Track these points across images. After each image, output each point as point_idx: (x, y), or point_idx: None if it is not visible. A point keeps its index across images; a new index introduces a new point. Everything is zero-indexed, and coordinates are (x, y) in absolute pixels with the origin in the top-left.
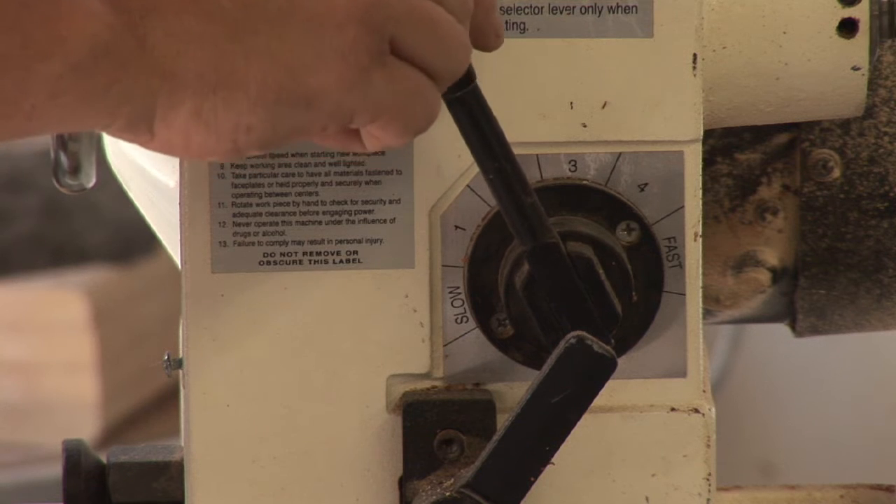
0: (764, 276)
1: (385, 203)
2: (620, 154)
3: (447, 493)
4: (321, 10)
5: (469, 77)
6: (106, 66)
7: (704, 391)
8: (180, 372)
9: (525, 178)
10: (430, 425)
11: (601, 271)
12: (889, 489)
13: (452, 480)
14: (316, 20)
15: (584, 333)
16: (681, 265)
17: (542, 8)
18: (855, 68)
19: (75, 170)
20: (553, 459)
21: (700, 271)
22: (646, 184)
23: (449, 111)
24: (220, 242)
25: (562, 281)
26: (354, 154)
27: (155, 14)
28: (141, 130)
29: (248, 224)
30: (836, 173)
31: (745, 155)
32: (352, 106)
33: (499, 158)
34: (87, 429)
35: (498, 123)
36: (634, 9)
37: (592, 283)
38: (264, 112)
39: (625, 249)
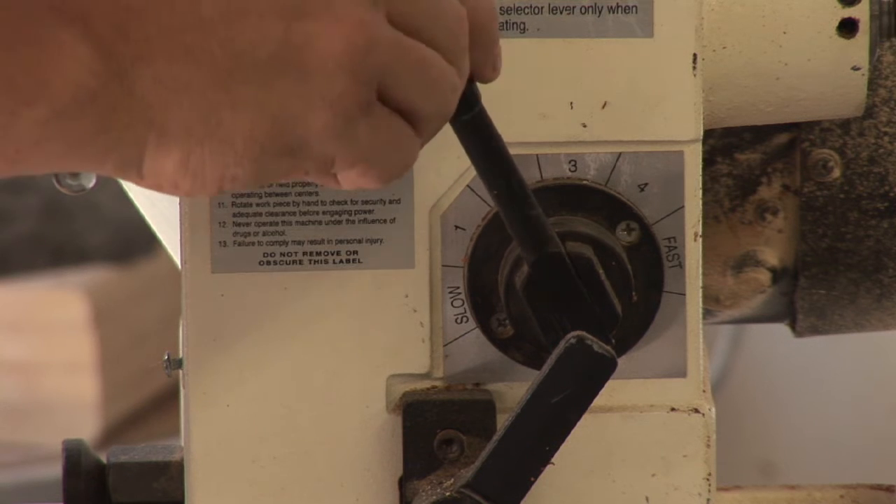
0: (764, 276)
1: (385, 203)
2: (620, 154)
3: (447, 493)
4: (311, 59)
5: (474, 100)
6: (92, 113)
7: (704, 391)
8: (180, 372)
9: (528, 192)
10: (430, 425)
11: (601, 271)
12: (889, 489)
13: (452, 480)
14: (305, 69)
15: (584, 333)
16: (681, 265)
17: (542, 8)
18: (855, 68)
19: None
20: (553, 459)
21: (700, 271)
22: (646, 184)
23: (455, 133)
24: (220, 242)
25: (564, 288)
26: None
27: (144, 61)
28: (130, 175)
29: (248, 224)
30: (836, 173)
31: (745, 155)
32: (334, 153)
33: (504, 175)
34: (87, 429)
35: (502, 140)
36: (634, 9)
37: (593, 284)
38: (249, 164)
39: (625, 249)
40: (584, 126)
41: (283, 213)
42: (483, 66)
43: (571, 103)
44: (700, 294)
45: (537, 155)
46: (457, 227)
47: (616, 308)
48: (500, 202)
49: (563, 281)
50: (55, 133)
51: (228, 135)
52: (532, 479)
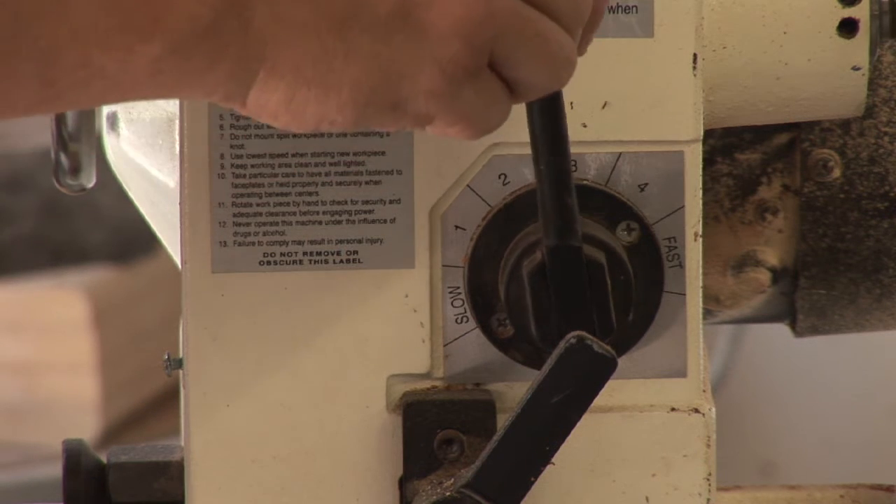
0: (764, 276)
1: (385, 203)
2: (620, 154)
3: (447, 493)
4: (429, 19)
5: None
6: (206, 48)
7: (704, 391)
8: (180, 372)
9: (572, 181)
10: (430, 425)
11: (609, 282)
12: (889, 489)
13: (452, 480)
14: (421, 29)
15: (584, 333)
16: (681, 265)
17: None
18: (855, 68)
19: (75, 170)
20: (553, 459)
21: (700, 271)
22: (646, 184)
23: (527, 104)
24: (220, 242)
25: (570, 285)
26: (354, 154)
27: None
28: (234, 104)
29: (248, 224)
30: (837, 173)
31: (745, 155)
32: (435, 113)
33: (558, 155)
34: (87, 429)
35: (566, 124)
36: (634, 9)
37: (598, 291)
38: (351, 112)
39: (625, 249)
40: (584, 126)
41: (283, 213)
42: (583, 45)
43: (571, 103)
44: (700, 294)
45: None
46: (457, 227)
47: (612, 321)
48: (544, 179)
49: (572, 277)
50: (169, 67)
51: (337, 82)
52: (532, 479)
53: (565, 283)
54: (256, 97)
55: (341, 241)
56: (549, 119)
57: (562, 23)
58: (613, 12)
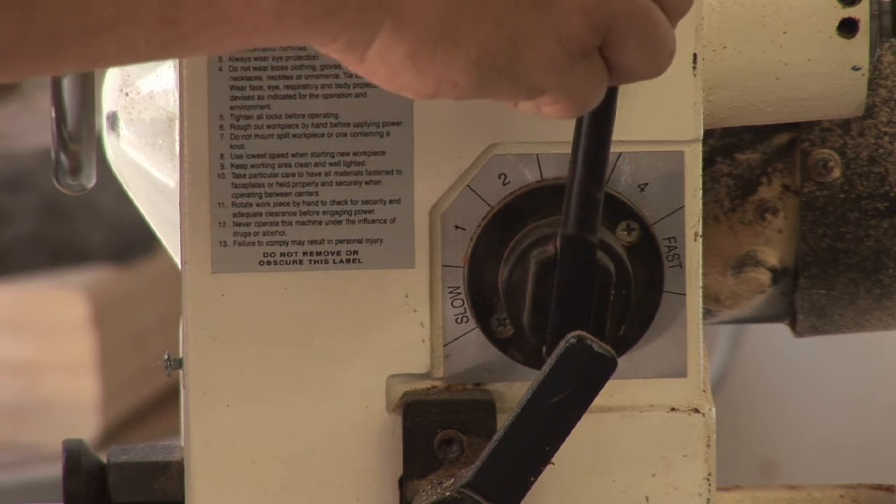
0: (764, 276)
1: (385, 203)
2: (620, 154)
3: (447, 493)
4: None
5: None
6: None
7: (704, 391)
8: (180, 372)
9: (604, 178)
10: (430, 425)
11: (613, 292)
12: (889, 489)
13: (452, 480)
14: (550, 2)
15: (584, 333)
16: (681, 265)
17: None
18: (855, 68)
19: (75, 170)
20: (553, 459)
21: (700, 271)
22: (646, 184)
23: None
24: (220, 242)
25: (579, 279)
26: (354, 154)
27: None
28: (353, 56)
29: (248, 224)
30: (837, 173)
31: (745, 155)
32: (547, 87)
33: (598, 150)
34: (87, 429)
35: (614, 121)
36: None
37: (600, 298)
38: (475, 74)
39: (625, 249)
40: None
41: (283, 213)
42: None
43: None
44: (700, 294)
45: (537, 155)
46: (457, 227)
47: (604, 331)
48: (579, 167)
49: (581, 270)
50: (294, 9)
51: (464, 41)
52: (532, 479)
53: (573, 275)
54: (379, 50)
55: (341, 241)
56: (602, 110)
57: (669, 13)
58: None
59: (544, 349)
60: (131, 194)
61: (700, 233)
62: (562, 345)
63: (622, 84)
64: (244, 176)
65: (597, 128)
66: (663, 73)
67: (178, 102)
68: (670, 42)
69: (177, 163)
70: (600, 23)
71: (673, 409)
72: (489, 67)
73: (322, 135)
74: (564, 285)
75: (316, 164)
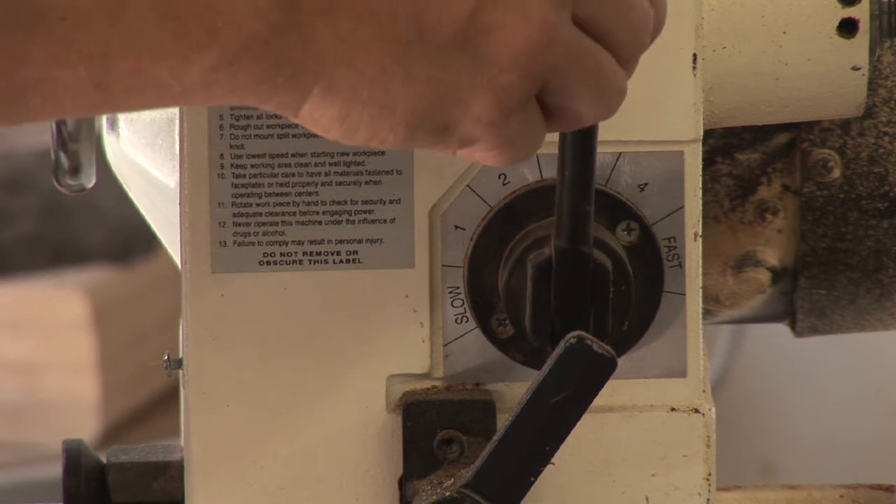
0: (764, 276)
1: (385, 203)
2: (620, 154)
3: (447, 493)
4: (489, 47)
5: None
6: (262, 61)
7: (704, 391)
8: (180, 372)
9: (593, 190)
10: (430, 425)
11: (612, 290)
12: (889, 489)
13: (452, 480)
14: (481, 55)
15: (584, 333)
16: (681, 265)
17: None
18: (855, 68)
19: (75, 170)
20: (553, 459)
21: (700, 271)
22: (646, 184)
23: None
24: (220, 242)
25: (575, 288)
26: (354, 154)
27: (328, 17)
28: (286, 113)
29: (248, 224)
30: (836, 173)
31: (745, 155)
32: (479, 138)
33: (583, 164)
34: (87, 429)
35: (597, 140)
36: None
37: (600, 298)
38: (402, 133)
39: (625, 249)
40: None
41: (283, 213)
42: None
43: None
44: (700, 294)
45: (537, 155)
46: (457, 227)
47: (608, 327)
48: (565, 183)
49: (577, 281)
50: (224, 77)
51: (392, 103)
52: (532, 479)
53: (569, 286)
54: (310, 111)
55: (341, 241)
56: (583, 132)
57: (619, 54)
58: None
59: (549, 352)
60: (131, 194)
61: (700, 233)
62: (562, 345)
63: (571, 129)
64: (244, 176)
65: (580, 149)
66: (607, 117)
67: None
68: (618, 83)
69: (177, 163)
70: (537, 74)
71: (673, 409)
72: (416, 127)
73: None
74: (562, 294)
75: (316, 164)
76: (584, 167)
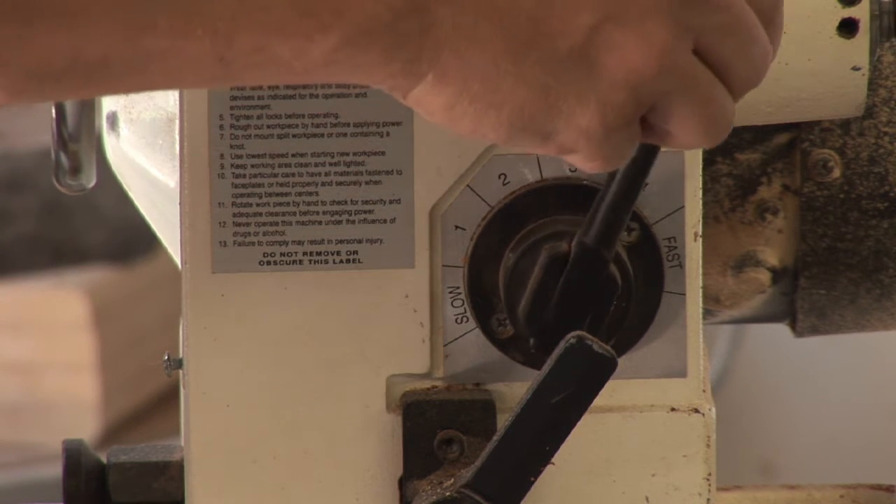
0: (764, 276)
1: (385, 203)
2: None
3: (447, 493)
4: (605, 63)
5: None
6: (382, 45)
7: (704, 391)
8: (180, 372)
9: (633, 205)
10: (430, 425)
11: (613, 304)
12: (889, 489)
13: (452, 480)
14: (595, 70)
15: (584, 333)
16: (681, 265)
17: None
18: (855, 68)
19: (75, 170)
20: (553, 459)
21: (700, 271)
22: (646, 184)
23: None
24: (220, 242)
25: (582, 289)
26: (354, 154)
27: (453, 6)
28: (395, 95)
29: (248, 224)
30: (836, 173)
31: (745, 155)
32: (579, 148)
33: (637, 176)
34: (87, 429)
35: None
36: None
37: (600, 309)
38: (504, 133)
39: (625, 249)
40: None
41: (283, 213)
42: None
43: None
44: (700, 294)
45: (537, 155)
46: (457, 227)
47: (599, 336)
48: (612, 187)
49: (586, 281)
50: (342, 58)
51: (500, 102)
52: (532, 479)
53: (577, 283)
54: (419, 95)
55: (341, 241)
56: (648, 147)
57: (732, 87)
58: None
59: (531, 341)
60: (131, 194)
61: (700, 233)
62: (562, 345)
63: (670, 148)
64: (244, 176)
65: (644, 157)
66: (708, 145)
67: (178, 102)
68: (726, 117)
69: (177, 163)
70: (647, 97)
71: (673, 409)
72: (519, 129)
73: (322, 135)
74: (568, 289)
75: (316, 164)
76: (635, 179)
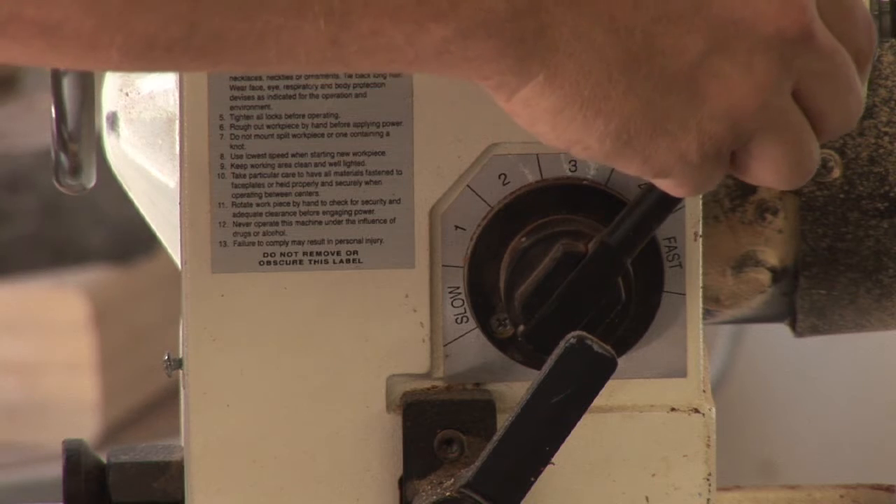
0: (764, 276)
1: (385, 203)
2: None
3: (447, 493)
4: (709, 91)
5: None
6: (496, 40)
7: (704, 391)
8: (180, 372)
9: (661, 221)
10: (430, 425)
11: (611, 315)
12: (889, 489)
13: (452, 480)
14: (699, 97)
15: (584, 333)
16: (681, 265)
17: None
18: None
19: (75, 170)
20: (553, 459)
21: (700, 271)
22: (646, 184)
23: None
24: (220, 242)
25: (592, 287)
26: (354, 154)
27: (572, 10)
28: (500, 95)
29: (248, 224)
30: (837, 173)
31: None
32: (673, 173)
33: (666, 204)
34: (87, 429)
35: None
36: None
37: (598, 315)
38: (609, 145)
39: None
40: None
41: (283, 213)
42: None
43: None
44: (700, 294)
45: (538, 154)
46: (457, 227)
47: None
48: (650, 197)
49: (596, 282)
50: (455, 49)
51: (608, 111)
52: (532, 479)
53: (586, 282)
54: (526, 96)
55: (341, 241)
56: None
57: (822, 134)
58: None
59: (521, 328)
60: (131, 194)
61: (700, 233)
62: (562, 345)
63: (749, 183)
64: (244, 176)
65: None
66: (789, 188)
67: (178, 102)
68: (812, 163)
69: (177, 163)
70: (744, 133)
71: (673, 409)
72: (624, 143)
73: (322, 135)
74: (575, 285)
75: (316, 164)
76: (665, 205)
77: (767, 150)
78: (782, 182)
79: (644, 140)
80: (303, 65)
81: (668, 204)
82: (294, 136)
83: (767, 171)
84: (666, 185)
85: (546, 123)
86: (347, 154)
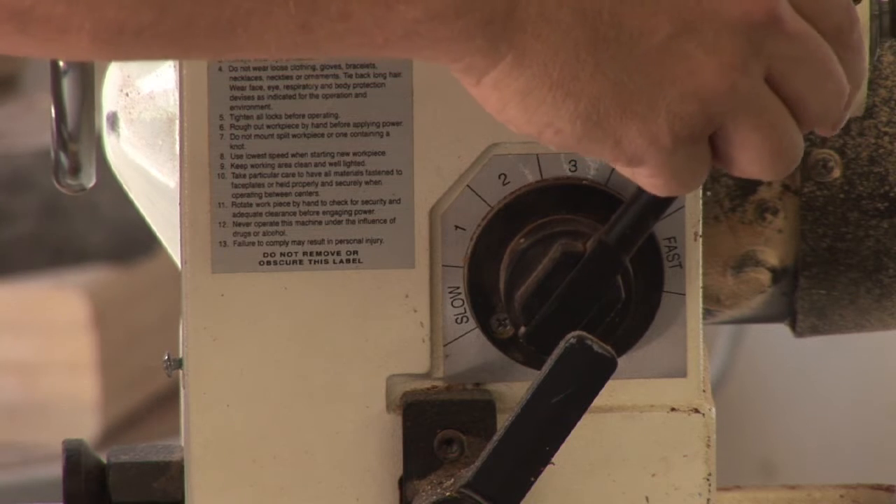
0: (764, 276)
1: (385, 203)
2: None
3: (447, 493)
4: (676, 73)
5: None
6: (465, 21)
7: (704, 391)
8: (180, 372)
9: (658, 218)
10: (430, 425)
11: (611, 314)
12: (889, 489)
13: (452, 480)
14: (666, 78)
15: (584, 333)
16: (681, 265)
17: None
18: None
19: (75, 170)
20: (553, 459)
21: (700, 271)
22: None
23: None
24: (220, 242)
25: (591, 286)
26: (354, 154)
27: None
28: (469, 79)
29: (248, 224)
30: (836, 173)
31: None
32: (646, 160)
33: (662, 203)
34: (87, 429)
35: None
36: None
37: (596, 316)
38: (580, 127)
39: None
40: None
41: (283, 213)
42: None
43: None
44: (700, 294)
45: (538, 154)
46: (457, 227)
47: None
48: (641, 198)
49: (595, 281)
50: (424, 30)
51: (577, 91)
52: (532, 479)
53: (586, 281)
54: (495, 79)
55: (341, 241)
56: None
57: (803, 123)
58: None
59: (521, 329)
60: (131, 194)
61: (700, 233)
62: (562, 345)
63: (734, 175)
64: (244, 176)
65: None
66: (771, 179)
67: (178, 102)
68: (794, 151)
69: (177, 163)
70: (715, 114)
71: (673, 409)
72: (594, 125)
73: (322, 135)
74: (575, 285)
75: (316, 164)
76: (660, 203)
77: (745, 136)
78: (766, 171)
79: (614, 121)
80: (273, 50)
81: (663, 199)
82: (294, 136)
83: (749, 160)
84: (643, 177)
85: (516, 106)
86: (347, 154)
